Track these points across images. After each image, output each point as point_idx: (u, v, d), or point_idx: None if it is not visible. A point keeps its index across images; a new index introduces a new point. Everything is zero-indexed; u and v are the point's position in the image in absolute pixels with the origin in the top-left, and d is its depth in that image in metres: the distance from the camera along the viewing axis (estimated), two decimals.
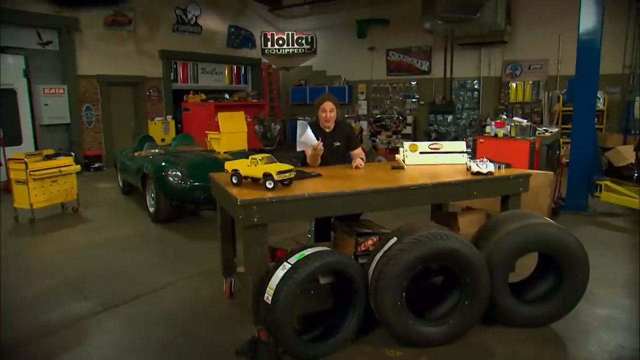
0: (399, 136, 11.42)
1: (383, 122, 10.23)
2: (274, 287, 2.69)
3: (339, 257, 2.85)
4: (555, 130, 8.38)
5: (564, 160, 7.11)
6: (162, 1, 11.66)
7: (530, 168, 6.38)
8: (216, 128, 9.89)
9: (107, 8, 10.35)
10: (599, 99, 9.86)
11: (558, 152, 8.51)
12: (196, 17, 12.58)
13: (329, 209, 2.99)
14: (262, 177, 2.96)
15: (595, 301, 3.67)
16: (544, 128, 8.00)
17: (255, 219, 2.73)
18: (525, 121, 7.19)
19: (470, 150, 4.23)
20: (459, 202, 4.77)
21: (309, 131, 3.71)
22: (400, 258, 2.81)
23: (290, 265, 2.72)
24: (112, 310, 3.69)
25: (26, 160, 6.03)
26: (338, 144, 4.04)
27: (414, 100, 13.33)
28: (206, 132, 9.67)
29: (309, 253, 2.78)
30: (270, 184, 2.91)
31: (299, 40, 14.44)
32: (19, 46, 9.40)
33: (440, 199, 3.61)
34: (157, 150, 7.32)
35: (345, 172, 3.73)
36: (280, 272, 2.72)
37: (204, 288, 4.08)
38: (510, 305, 3.18)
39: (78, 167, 6.68)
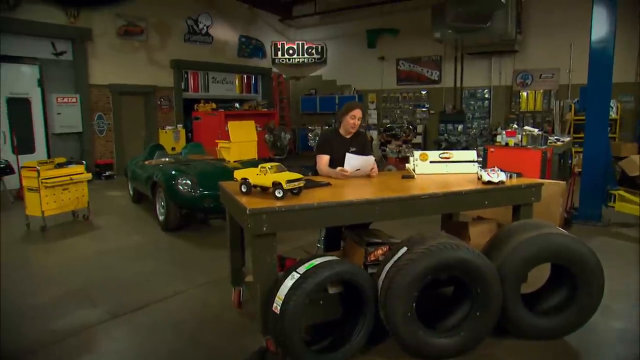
0: (409, 145, 11.39)
1: (393, 132, 10.20)
2: (283, 296, 2.67)
3: (349, 267, 2.82)
4: (567, 139, 8.31)
5: (576, 169, 7.01)
6: (174, 11, 11.82)
7: (542, 177, 6.32)
8: (226, 137, 9.96)
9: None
10: (612, 107, 9.76)
11: (570, 162, 8.43)
12: (207, 27, 12.72)
13: (338, 218, 2.97)
14: (271, 186, 2.94)
15: (610, 314, 3.59)
16: (555, 137, 7.93)
17: (264, 228, 2.71)
18: (536, 130, 7.13)
19: (480, 159, 4.17)
20: (470, 212, 4.71)
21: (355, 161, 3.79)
22: (411, 268, 2.77)
23: (299, 275, 2.70)
24: (120, 318, 3.68)
25: (38, 168, 6.09)
26: (354, 149, 4.06)
27: (424, 109, 13.31)
28: (216, 141, 9.73)
29: (318, 262, 2.75)
30: (279, 192, 2.89)
31: (309, 50, 14.51)
32: (34, 56, 9.56)
33: (450, 209, 3.58)
34: (167, 159, 7.36)
35: (354, 181, 3.70)
36: (289, 282, 2.70)
37: (212, 297, 4.07)
38: (523, 317, 3.12)
39: (89, 175, 6.73)
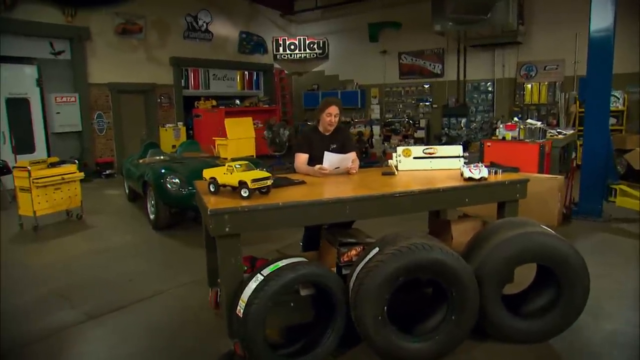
0: (411, 141, 11.23)
1: (393, 127, 10.04)
2: (246, 299, 2.58)
3: (315, 269, 2.71)
4: (571, 132, 8.09)
5: (575, 163, 6.79)
6: (172, 8, 11.75)
7: (540, 172, 6.14)
8: (226, 134, 9.89)
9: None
10: (618, 98, 9.49)
11: (574, 155, 8.21)
12: (207, 24, 12.65)
13: (307, 218, 2.86)
14: (237, 185, 2.85)
15: (601, 315, 3.43)
16: (557, 130, 7.73)
17: (227, 229, 2.62)
18: (539, 123, 6.95)
19: (466, 154, 4.02)
20: (467, 209, 4.54)
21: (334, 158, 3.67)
22: (381, 270, 2.66)
23: (262, 277, 2.60)
24: (96, 320, 3.63)
25: (29, 168, 6.08)
26: (334, 146, 3.96)
27: (427, 103, 13.09)
28: (213, 138, 9.67)
29: (283, 264, 2.65)
30: (245, 192, 2.80)
31: (311, 45, 14.38)
32: (32, 56, 9.58)
33: (428, 207, 3.43)
34: (161, 157, 7.32)
35: (331, 179, 3.59)
36: (252, 284, 2.61)
37: (193, 297, 4.00)
38: (504, 319, 2.98)
39: (81, 175, 6.69)
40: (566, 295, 2.96)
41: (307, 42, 14.34)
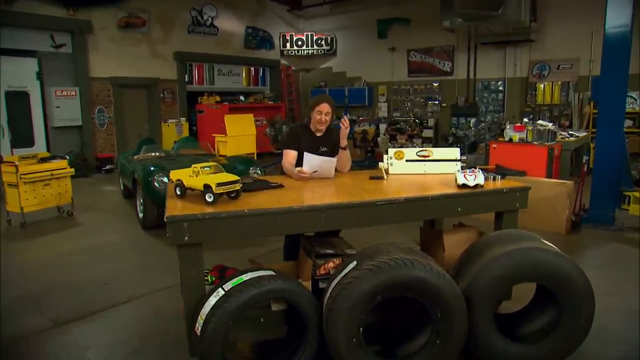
0: (418, 140, 10.89)
1: (398, 126, 9.71)
2: (204, 316, 2.32)
3: (283, 284, 2.44)
4: (584, 134, 7.70)
5: (587, 167, 6.42)
6: (177, 2, 11.55)
7: (549, 176, 5.80)
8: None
9: (114, 5, 10.25)
10: (636, 100, 9.05)
11: (587, 158, 7.83)
12: (212, 18, 12.43)
13: (276, 227, 2.59)
14: (202, 189, 2.59)
15: (608, 339, 3.11)
16: (569, 132, 7.35)
17: (186, 238, 2.37)
18: (550, 124, 6.60)
19: (464, 157, 3.72)
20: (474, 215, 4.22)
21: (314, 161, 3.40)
22: (356, 287, 2.38)
23: (223, 292, 2.35)
24: (62, 327, 3.41)
25: (16, 163, 5.92)
26: (325, 149, 3.68)
27: (436, 102, 12.72)
28: (213, 135, 9.46)
29: (247, 278, 2.39)
30: (210, 197, 2.54)
31: (319, 41, 14.09)
32: (33, 49, 9.47)
33: (415, 217, 3.13)
34: (155, 154, 7.13)
35: (313, 182, 3.30)
36: (212, 300, 2.35)
37: (167, 305, 3.76)
38: (497, 343, 2.68)
39: (72, 171, 6.51)
40: (568, 317, 2.65)
41: (315, 38, 14.05)
